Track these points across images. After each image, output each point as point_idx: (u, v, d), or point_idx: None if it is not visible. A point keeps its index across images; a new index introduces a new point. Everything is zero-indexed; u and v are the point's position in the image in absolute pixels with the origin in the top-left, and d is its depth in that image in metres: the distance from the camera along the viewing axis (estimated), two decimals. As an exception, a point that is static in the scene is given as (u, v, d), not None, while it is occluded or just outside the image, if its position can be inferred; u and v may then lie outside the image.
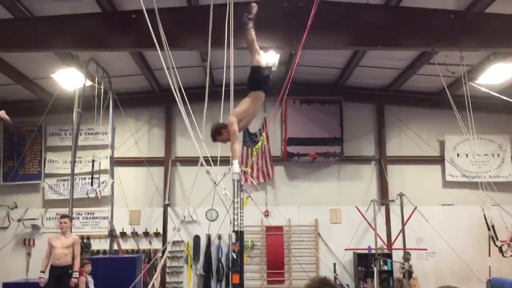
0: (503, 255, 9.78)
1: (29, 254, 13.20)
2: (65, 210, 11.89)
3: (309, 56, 11.62)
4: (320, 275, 2.43)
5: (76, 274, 8.21)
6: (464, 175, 13.71)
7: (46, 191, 13.60)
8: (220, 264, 13.17)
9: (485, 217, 9.63)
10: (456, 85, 11.86)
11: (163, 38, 5.44)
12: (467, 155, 13.77)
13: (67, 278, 8.12)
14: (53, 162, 13.68)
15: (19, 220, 13.30)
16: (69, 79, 10.83)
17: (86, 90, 10.58)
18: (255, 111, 5.79)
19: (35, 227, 13.27)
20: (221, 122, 5.79)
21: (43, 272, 7.99)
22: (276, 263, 13.28)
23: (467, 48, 9.42)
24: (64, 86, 11.28)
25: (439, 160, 14.05)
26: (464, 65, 9.67)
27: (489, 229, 9.82)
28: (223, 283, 13.03)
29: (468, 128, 9.43)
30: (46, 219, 13.37)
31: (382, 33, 9.34)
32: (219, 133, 5.48)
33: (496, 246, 9.73)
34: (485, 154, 13.80)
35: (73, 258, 8.23)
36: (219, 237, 13.14)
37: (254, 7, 6.02)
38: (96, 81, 11.03)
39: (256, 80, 5.74)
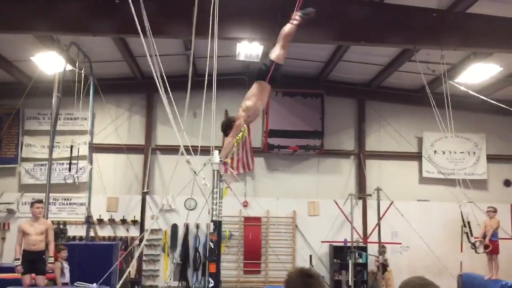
0: (476, 251, 10.02)
1: (3, 239, 13.03)
2: (41, 195, 11.74)
3: (293, 49, 11.55)
4: (300, 266, 2.46)
5: (51, 260, 8.12)
6: (440, 171, 13.96)
7: (22, 176, 13.40)
8: (197, 253, 13.20)
9: (461, 214, 9.83)
10: (436, 83, 12.02)
11: (147, 25, 5.39)
12: (443, 152, 14.02)
13: (41, 264, 8.00)
14: (30, 146, 13.48)
15: (-6, 204, 13.11)
16: (49, 62, 10.66)
17: (66, 75, 10.44)
18: (263, 104, 5.90)
19: (10, 212, 13.08)
20: (229, 116, 5.89)
21: (19, 259, 7.86)
22: (253, 254, 13.37)
23: (448, 47, 9.55)
24: (44, 70, 11.11)
25: (417, 156, 14.27)
26: (445, 64, 9.81)
27: (465, 226, 10.02)
28: (200, 272, 13.08)
29: (446, 126, 9.59)
30: (22, 204, 13.16)
31: (366, 29, 9.39)
32: (230, 126, 5.59)
33: (470, 242, 9.94)
34: (461, 152, 14.07)
35: (46, 244, 8.11)
36: (197, 227, 13.16)
37: (314, 13, 6.16)
38: (77, 66, 10.88)
39: (274, 77, 5.96)
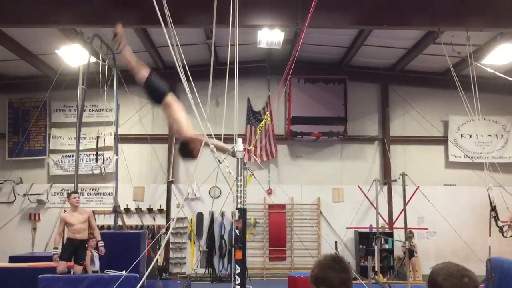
0: (503, 235, 9.86)
1: (34, 229, 13.39)
2: (70, 186, 12.04)
3: (314, 35, 11.54)
4: (332, 253, 2.46)
5: (102, 243, 8.48)
6: (467, 155, 13.73)
7: (51, 167, 13.71)
8: (223, 241, 13.34)
9: (489, 198, 9.67)
10: (461, 65, 11.78)
11: (168, 15, 5.41)
12: (470, 136, 13.77)
13: (82, 252, 8.36)
14: (58, 138, 13.76)
15: (24, 195, 13.46)
16: (73, 55, 10.82)
17: (90, 67, 10.57)
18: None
19: (40, 202, 13.43)
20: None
21: (57, 248, 8.14)
22: (278, 241, 13.44)
23: (473, 28, 9.33)
24: (68, 62, 11.28)
25: (443, 140, 14.05)
26: (470, 45, 9.59)
27: (492, 210, 9.87)
28: (225, 259, 13.22)
29: (472, 109, 9.41)
30: (51, 194, 13.51)
31: (388, 12, 9.24)
32: (188, 150, 5.19)
33: (498, 226, 9.79)
34: (489, 135, 13.79)
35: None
36: (222, 215, 13.27)
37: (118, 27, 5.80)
38: (100, 58, 11.01)
39: (155, 93, 5.61)
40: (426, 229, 13.32)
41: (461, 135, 13.89)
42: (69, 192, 9.04)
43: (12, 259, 9.85)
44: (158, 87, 5.52)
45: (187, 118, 5.32)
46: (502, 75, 10.66)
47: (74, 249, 8.25)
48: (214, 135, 5.86)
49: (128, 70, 13.08)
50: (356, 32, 11.48)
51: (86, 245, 8.57)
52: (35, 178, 13.69)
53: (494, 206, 9.66)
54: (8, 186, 13.50)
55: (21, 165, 13.62)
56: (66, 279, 7.67)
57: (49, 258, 9.42)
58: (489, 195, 9.72)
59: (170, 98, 5.45)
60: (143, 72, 5.55)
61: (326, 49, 12.98)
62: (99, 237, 8.61)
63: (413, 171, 12.30)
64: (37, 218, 13.47)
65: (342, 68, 13.78)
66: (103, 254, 8.55)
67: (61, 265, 8.07)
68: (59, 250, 8.27)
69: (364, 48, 12.27)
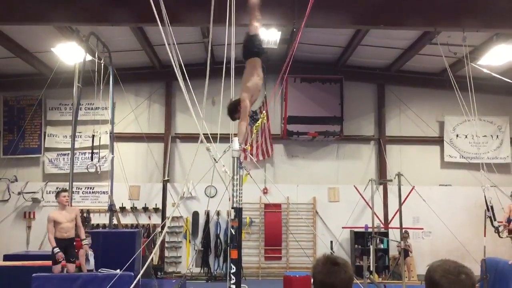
0: (499, 235, 9.89)
1: (29, 227, 13.33)
2: (65, 184, 11.98)
3: (311, 34, 11.54)
4: (327, 254, 2.43)
5: (86, 242, 8.51)
6: (462, 156, 13.77)
7: (46, 165, 13.66)
8: (218, 240, 13.33)
9: (485, 198, 9.69)
10: (457, 66, 11.81)
11: (164, 13, 5.40)
12: (466, 136, 13.81)
13: (72, 250, 8.37)
14: (53, 136, 13.70)
15: (19, 193, 13.39)
16: (69, 53, 10.77)
17: (86, 65, 10.52)
18: (260, 78, 5.80)
19: (35, 201, 13.37)
20: (234, 99, 5.78)
21: (57, 247, 8.09)
22: (273, 240, 13.44)
23: (470, 28, 9.35)
24: (64, 60, 11.23)
25: (438, 140, 14.09)
26: (467, 46, 9.60)
27: (488, 210, 9.89)
28: (221, 259, 13.21)
29: (468, 109, 9.43)
30: (46, 193, 13.45)
31: (385, 12, 9.25)
32: (236, 110, 5.50)
33: (493, 226, 9.82)
34: (484, 136, 13.83)
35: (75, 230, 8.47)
36: (218, 214, 13.26)
37: None
38: (96, 56, 10.97)
39: (255, 48, 5.83)
40: (421, 229, 13.35)
41: (457, 135, 13.92)
42: (59, 190, 9.02)
43: (7, 257, 9.81)
44: (257, 46, 5.87)
45: (253, 85, 5.64)
46: (498, 76, 10.68)
47: (63, 249, 8.18)
48: (211, 134, 5.85)
49: (125, 69, 13.10)
50: (353, 32, 11.48)
51: (75, 243, 8.48)
52: (30, 176, 13.63)
53: (491, 206, 9.69)
54: (3, 184, 13.44)
55: (16, 163, 13.56)
56: (60, 278, 7.64)
57: (43, 257, 9.41)
58: (484, 196, 9.74)
59: (256, 61, 5.79)
60: (255, 25, 5.92)
61: (322, 49, 12.98)
62: (83, 236, 8.60)
63: (408, 171, 12.33)
64: (32, 216, 13.41)
65: (338, 67, 13.78)
66: (91, 255, 8.53)
67: (57, 266, 8.04)
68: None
69: (360, 48, 12.28)
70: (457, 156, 13.87)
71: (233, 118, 5.62)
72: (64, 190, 8.81)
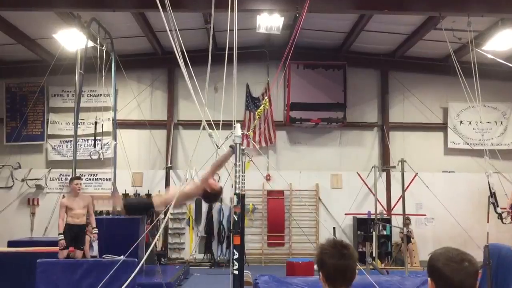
0: (502, 222, 9.87)
1: (33, 214, 13.41)
2: (68, 171, 12.03)
3: (314, 20, 11.43)
4: (334, 238, 2.43)
5: (96, 230, 8.61)
6: (466, 142, 13.73)
7: (49, 152, 13.68)
8: (221, 226, 13.37)
9: (489, 184, 9.67)
10: (462, 51, 11.71)
11: (166, -2, 5.34)
12: (470, 123, 13.76)
13: (82, 237, 8.45)
14: (56, 123, 13.71)
15: (23, 180, 13.44)
16: (71, 39, 10.71)
17: (88, 51, 10.47)
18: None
19: (38, 187, 13.42)
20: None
21: (62, 234, 8.16)
22: (276, 226, 13.48)
23: (475, 13, 9.26)
24: (66, 47, 11.17)
25: (442, 127, 14.04)
26: (471, 31, 9.51)
27: (491, 196, 9.87)
28: (224, 245, 13.27)
29: (473, 95, 9.36)
30: (50, 180, 13.50)
31: (389, -3, 9.16)
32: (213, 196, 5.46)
33: (496, 213, 9.80)
34: (488, 122, 13.76)
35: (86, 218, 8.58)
36: (221, 200, 13.27)
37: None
38: (98, 42, 10.92)
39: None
40: (424, 215, 13.36)
41: (461, 121, 13.86)
42: (72, 177, 9.02)
43: (11, 243, 9.86)
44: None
45: (189, 186, 5.67)
46: (503, 62, 10.58)
47: (74, 235, 8.27)
48: (213, 120, 5.82)
49: (127, 55, 13.04)
50: (356, 17, 11.38)
51: (86, 230, 8.60)
52: (33, 163, 13.67)
53: (494, 192, 9.66)
54: (7, 171, 13.48)
55: (19, 150, 13.59)
56: (64, 264, 7.68)
57: (47, 243, 9.46)
58: (488, 182, 9.71)
59: (156, 200, 5.66)
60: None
61: (325, 35, 12.88)
62: (94, 224, 8.68)
63: (412, 157, 12.29)
64: (35, 203, 13.47)
65: (342, 54, 13.69)
66: (96, 240, 8.62)
67: (64, 253, 8.10)
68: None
69: (364, 33, 12.18)
70: (460, 142, 13.82)
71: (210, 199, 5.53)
72: (77, 178, 8.87)
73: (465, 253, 2.05)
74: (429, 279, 2.05)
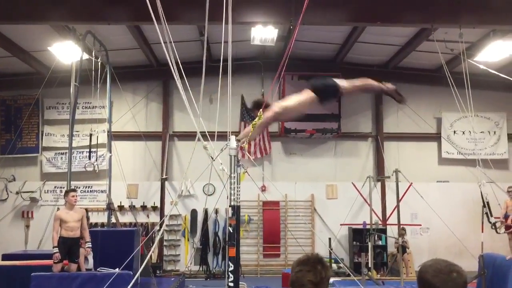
0: (496, 231, 9.91)
1: (27, 226, 13.33)
2: (63, 183, 12.00)
3: (308, 32, 11.54)
4: (308, 254, 2.47)
5: (89, 244, 8.55)
6: (460, 152, 13.81)
7: (44, 164, 13.65)
8: (217, 238, 13.34)
9: (481, 194, 9.73)
10: (454, 62, 11.83)
11: (161, 11, 5.38)
12: (463, 133, 13.86)
13: (76, 250, 8.37)
14: (51, 135, 13.69)
15: (17, 193, 13.38)
16: (66, 52, 10.75)
17: (83, 64, 10.51)
18: (304, 110, 5.69)
19: (33, 200, 13.36)
20: (268, 101, 5.73)
21: (57, 247, 8.11)
22: (272, 237, 13.46)
23: (466, 25, 9.37)
24: (61, 59, 11.21)
25: (436, 137, 14.13)
26: (463, 42, 9.63)
27: (484, 206, 9.92)
28: (220, 256, 13.23)
29: (465, 106, 9.44)
30: (44, 192, 13.45)
31: (382, 9, 9.26)
32: (258, 108, 5.47)
33: (490, 222, 9.84)
34: (482, 132, 13.87)
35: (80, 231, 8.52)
36: (216, 212, 13.27)
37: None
38: (93, 55, 10.95)
39: (327, 93, 5.68)
40: (419, 225, 13.40)
41: (454, 131, 13.96)
42: (67, 190, 8.96)
43: (5, 257, 9.80)
44: (329, 94, 5.66)
45: (288, 108, 5.70)
46: (495, 72, 10.69)
47: (68, 248, 8.22)
48: (208, 132, 5.85)
49: (122, 67, 13.08)
50: (350, 29, 11.50)
51: (80, 243, 8.55)
52: (28, 176, 13.62)
53: (487, 202, 9.71)
54: (1, 184, 13.43)
55: (13, 162, 13.55)
56: (59, 277, 7.64)
57: (42, 256, 9.41)
58: (481, 192, 9.77)
59: (314, 98, 5.60)
60: (348, 89, 5.65)
61: (319, 46, 12.99)
62: (88, 238, 8.61)
63: (406, 167, 12.36)
64: (30, 216, 13.40)
65: (336, 65, 13.78)
66: (89, 254, 8.57)
67: (58, 266, 8.05)
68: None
69: (357, 45, 12.29)
70: (454, 152, 13.91)
71: (253, 109, 5.58)
72: (73, 190, 8.81)
73: (454, 264, 2.09)
74: None
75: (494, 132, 14.00)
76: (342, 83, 5.58)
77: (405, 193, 12.37)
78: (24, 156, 13.58)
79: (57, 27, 10.28)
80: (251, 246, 13.40)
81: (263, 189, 13.08)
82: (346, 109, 13.70)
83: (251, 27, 10.13)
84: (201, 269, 13.18)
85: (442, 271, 2.04)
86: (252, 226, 13.51)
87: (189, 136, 12.68)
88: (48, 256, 8.64)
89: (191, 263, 13.10)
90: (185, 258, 13.35)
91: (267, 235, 13.48)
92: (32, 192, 13.36)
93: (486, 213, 9.69)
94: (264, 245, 13.48)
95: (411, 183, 12.23)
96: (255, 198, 13.31)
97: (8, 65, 12.75)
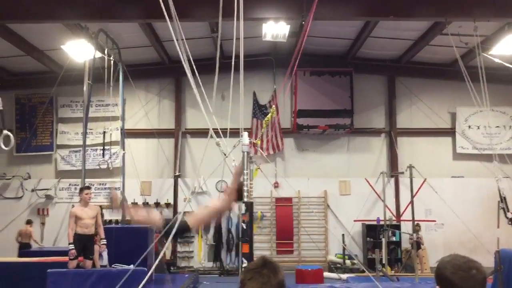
0: (513, 226, 9.79)
1: (43, 224, 13.48)
2: (77, 181, 12.10)
3: (320, 27, 11.47)
4: (256, 260, 2.05)
5: (104, 241, 8.70)
6: (475, 147, 13.65)
7: (58, 162, 13.77)
8: (230, 235, 13.36)
9: (498, 189, 9.61)
10: (469, 56, 11.67)
11: (173, 9, 5.39)
12: (478, 127, 13.69)
13: (91, 247, 8.51)
14: (65, 133, 13.81)
15: (32, 190, 13.53)
16: (79, 50, 10.82)
17: (96, 62, 10.58)
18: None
19: (48, 197, 13.50)
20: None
21: (72, 243, 8.20)
22: (285, 234, 13.45)
23: (481, 18, 9.23)
24: (74, 58, 11.28)
25: (450, 132, 13.97)
26: (478, 36, 9.49)
27: (501, 201, 9.80)
28: (233, 253, 13.25)
29: (480, 100, 9.32)
30: (59, 190, 13.58)
31: (395, 3, 9.17)
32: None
33: (507, 218, 9.72)
34: (497, 126, 13.69)
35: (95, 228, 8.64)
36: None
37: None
38: (105, 53, 11.02)
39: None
40: (434, 221, 13.28)
41: (469, 126, 13.80)
42: (82, 187, 9.07)
43: (22, 254, 9.93)
44: (176, 226, 5.02)
45: (206, 208, 5.16)
46: (510, 66, 10.54)
47: (83, 244, 8.31)
48: (220, 129, 5.85)
49: (134, 65, 13.18)
50: (362, 24, 11.40)
51: (94, 240, 8.63)
52: (42, 174, 13.76)
53: (504, 197, 9.60)
54: (17, 182, 13.58)
55: (28, 160, 13.69)
56: (74, 273, 7.72)
57: (57, 253, 9.51)
58: (498, 187, 9.65)
59: (189, 218, 5.05)
60: (157, 222, 5.11)
61: (332, 42, 12.91)
62: (103, 235, 8.75)
63: (420, 163, 12.25)
64: (45, 213, 13.55)
65: (348, 60, 13.70)
66: (104, 251, 8.65)
67: (73, 263, 8.14)
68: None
69: (370, 40, 12.19)
70: (469, 147, 13.75)
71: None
72: (87, 187, 8.92)
73: (473, 260, 2.05)
74: (437, 287, 2.05)
75: (510, 127, 13.80)
76: (189, 218, 5.12)
77: (419, 188, 12.28)
78: (39, 154, 13.72)
79: (70, 26, 10.35)
80: (264, 243, 13.40)
81: (276, 185, 13.07)
82: (358, 104, 13.62)
83: (263, 23, 10.09)
84: (214, 265, 13.23)
85: (461, 267, 2.00)
86: (265, 222, 13.51)
87: (201, 133, 12.71)
88: (64, 252, 8.75)
89: (204, 260, 13.15)
90: (198, 254, 13.40)
91: (280, 232, 13.47)
92: (47, 189, 13.50)
93: (503, 208, 9.58)
94: (277, 241, 13.46)
95: (425, 179, 12.13)
96: (267, 194, 13.31)
97: (23, 64, 12.88)
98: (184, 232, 5.08)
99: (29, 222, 12.21)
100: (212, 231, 13.37)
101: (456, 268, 1.99)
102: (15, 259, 9.52)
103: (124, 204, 5.82)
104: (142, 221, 5.50)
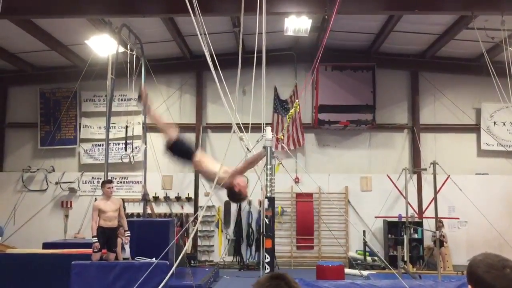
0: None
1: (66, 216, 13.70)
2: (100, 174, 12.24)
3: (342, 21, 11.35)
4: (271, 272, 1.91)
5: (128, 233, 8.84)
6: (500, 144, 13.38)
7: (81, 156, 13.97)
8: (250, 229, 13.38)
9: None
10: (495, 51, 11.43)
11: (195, 3, 5.39)
12: (504, 124, 13.42)
13: (114, 239, 8.61)
14: (88, 127, 13.99)
15: (56, 183, 13.75)
16: (102, 45, 10.92)
17: (119, 57, 10.66)
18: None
19: (72, 190, 13.71)
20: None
21: (96, 236, 8.33)
22: (305, 229, 13.41)
23: (509, 12, 9.01)
24: (97, 52, 11.40)
25: (475, 128, 13.72)
26: (505, 30, 9.28)
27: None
28: (253, 248, 13.28)
29: (506, 96, 9.13)
30: (82, 183, 13.77)
31: (419, -3, 9.03)
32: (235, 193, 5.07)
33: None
34: (523, 123, 13.39)
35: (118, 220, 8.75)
36: (250, 203, 13.28)
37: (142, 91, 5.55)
38: (128, 48, 11.10)
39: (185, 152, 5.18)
40: (457, 218, 13.08)
41: (494, 122, 13.53)
42: (104, 181, 9.18)
43: (46, 245, 10.10)
44: (185, 148, 5.13)
45: (220, 165, 5.00)
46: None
47: (106, 237, 8.42)
48: (242, 123, 5.84)
49: (156, 60, 13.23)
50: (386, 17, 11.25)
51: (117, 232, 8.74)
52: (66, 167, 13.98)
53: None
54: (41, 175, 13.82)
55: (52, 154, 13.92)
56: (98, 266, 7.82)
57: (81, 245, 9.66)
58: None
59: (199, 155, 5.08)
60: (171, 134, 5.18)
61: (354, 36, 12.77)
62: (126, 227, 8.86)
63: (443, 159, 12.08)
64: (69, 205, 13.77)
65: (371, 55, 13.54)
66: (127, 244, 8.75)
67: (97, 254, 8.26)
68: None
69: (393, 34, 12.02)
70: (494, 144, 13.48)
71: (242, 198, 5.15)
72: (109, 181, 9.03)
73: (506, 259, 1.99)
74: (469, 286, 2.01)
75: (537, 123, 13.49)
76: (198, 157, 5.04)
77: (442, 185, 12.10)
78: (62, 148, 13.93)
79: (93, 21, 10.46)
80: (284, 238, 13.38)
81: (297, 180, 13.03)
82: (381, 99, 13.47)
83: (284, 18, 10.04)
84: (234, 260, 13.27)
85: (495, 266, 1.95)
86: (286, 217, 13.49)
87: (222, 128, 12.74)
88: (87, 245, 8.87)
89: (225, 254, 13.20)
90: (219, 249, 13.46)
91: (301, 227, 13.43)
92: (71, 182, 13.71)
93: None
94: (297, 237, 13.44)
95: (449, 175, 11.94)
96: (288, 190, 13.28)
97: (47, 59, 13.08)
98: (186, 157, 5.09)
99: None
100: (232, 225, 13.41)
101: (489, 267, 1.94)
102: (40, 250, 9.69)
103: (149, 105, 5.83)
104: (160, 126, 5.77)
